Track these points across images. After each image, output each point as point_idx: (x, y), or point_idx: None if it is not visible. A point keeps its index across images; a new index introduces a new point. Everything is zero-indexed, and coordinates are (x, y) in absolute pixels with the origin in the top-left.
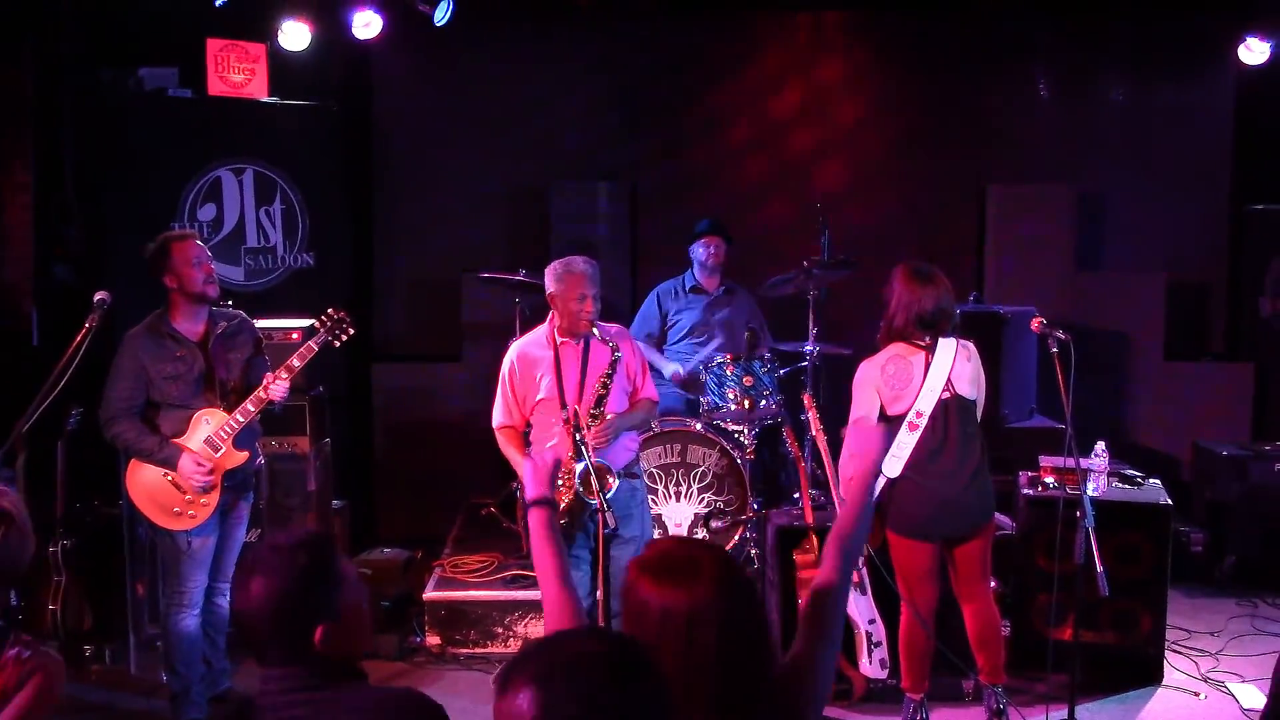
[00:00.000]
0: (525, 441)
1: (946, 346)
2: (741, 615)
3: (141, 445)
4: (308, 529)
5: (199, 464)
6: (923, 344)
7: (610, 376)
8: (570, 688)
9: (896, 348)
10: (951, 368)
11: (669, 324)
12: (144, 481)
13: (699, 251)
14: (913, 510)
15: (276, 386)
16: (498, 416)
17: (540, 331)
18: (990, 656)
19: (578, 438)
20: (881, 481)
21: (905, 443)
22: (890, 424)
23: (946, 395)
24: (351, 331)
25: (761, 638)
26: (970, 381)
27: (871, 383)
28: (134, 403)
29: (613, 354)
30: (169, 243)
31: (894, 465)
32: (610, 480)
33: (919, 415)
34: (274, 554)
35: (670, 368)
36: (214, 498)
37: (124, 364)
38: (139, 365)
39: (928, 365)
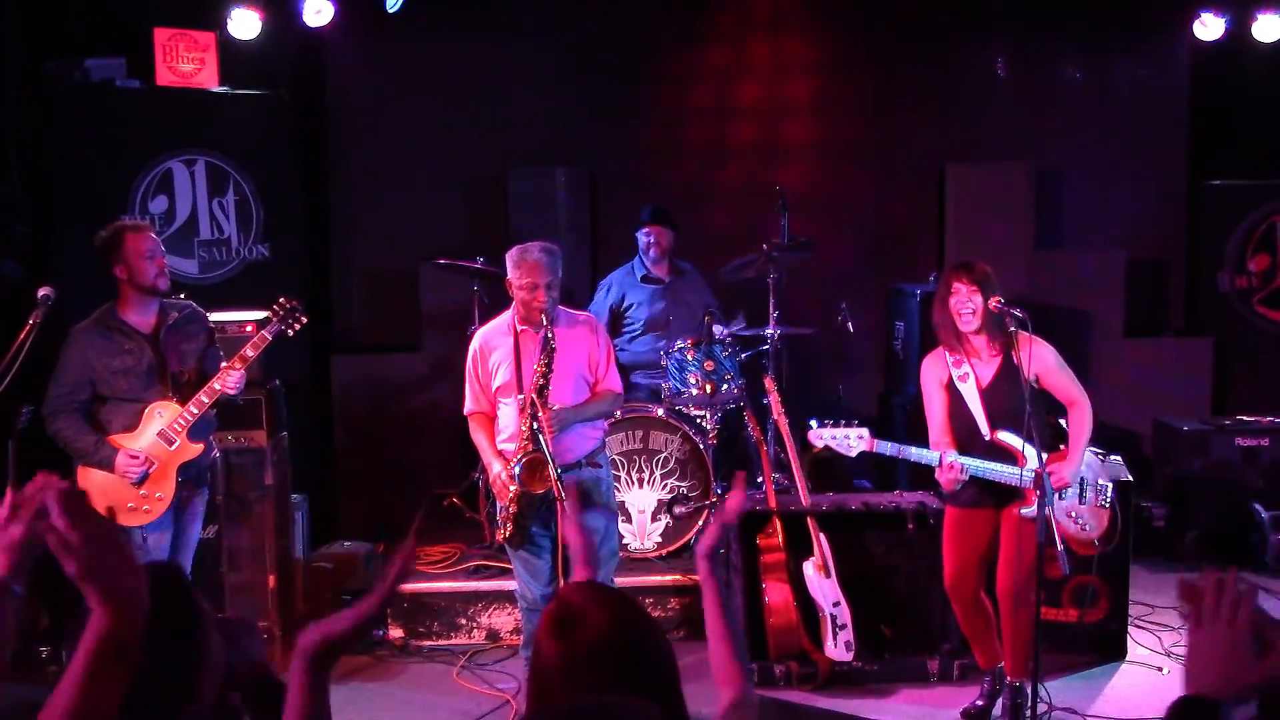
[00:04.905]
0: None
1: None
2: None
3: (78, 444)
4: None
5: (132, 457)
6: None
7: (548, 366)
8: None
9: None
10: None
11: (624, 309)
12: (96, 479)
13: (640, 239)
14: None
15: (230, 377)
16: (468, 403)
17: (503, 318)
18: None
19: (532, 427)
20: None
21: None
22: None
23: None
24: (304, 320)
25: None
26: None
27: None
28: (77, 398)
29: (549, 343)
30: (123, 232)
31: None
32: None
33: None
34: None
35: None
36: (169, 491)
37: (68, 358)
38: (84, 360)
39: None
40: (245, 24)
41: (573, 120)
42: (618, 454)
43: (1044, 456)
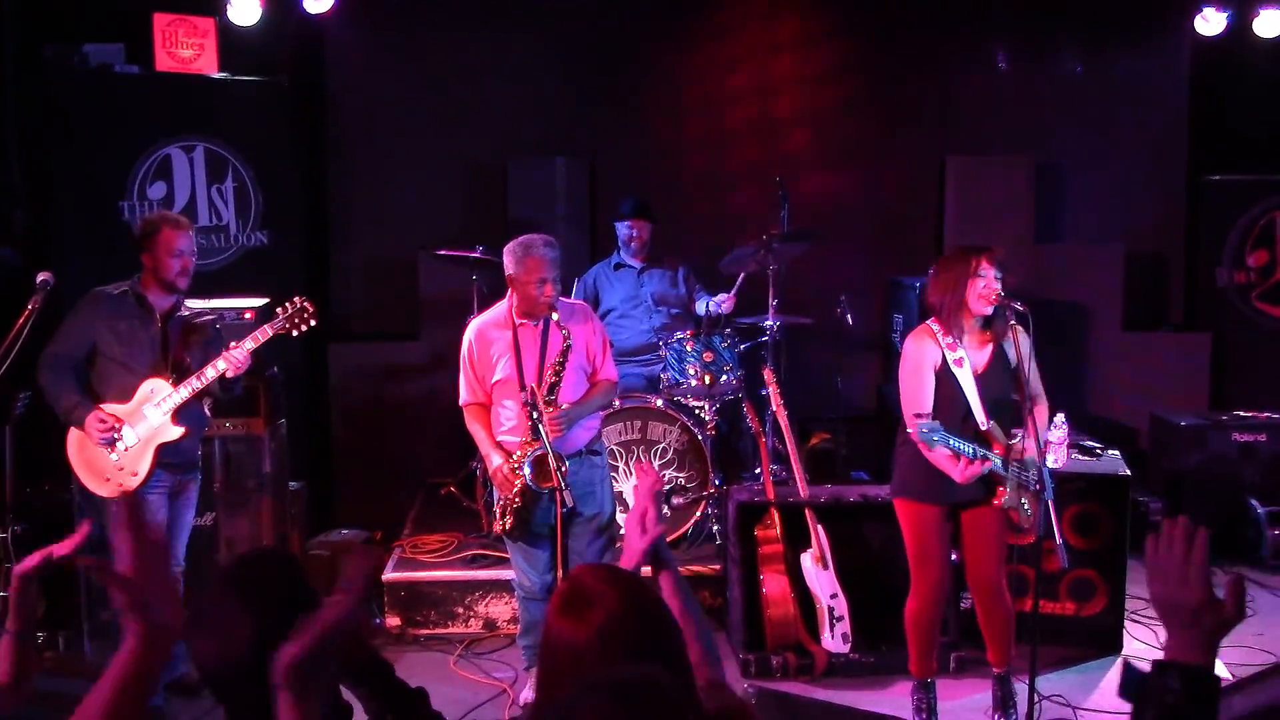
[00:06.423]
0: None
1: None
2: (643, 647)
3: (56, 398)
4: None
5: (101, 420)
6: None
7: (562, 364)
8: None
9: None
10: None
11: (600, 301)
12: (83, 441)
13: (621, 232)
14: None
15: (238, 352)
16: (463, 394)
17: (499, 310)
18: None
19: (534, 417)
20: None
21: None
22: None
23: None
24: (313, 323)
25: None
26: None
27: None
28: (73, 355)
29: (564, 341)
30: (160, 224)
31: None
32: (562, 467)
33: None
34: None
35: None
36: (144, 468)
37: (76, 317)
38: (93, 316)
39: None
40: (245, 10)
41: (572, 110)
42: (616, 444)
43: (1033, 446)
